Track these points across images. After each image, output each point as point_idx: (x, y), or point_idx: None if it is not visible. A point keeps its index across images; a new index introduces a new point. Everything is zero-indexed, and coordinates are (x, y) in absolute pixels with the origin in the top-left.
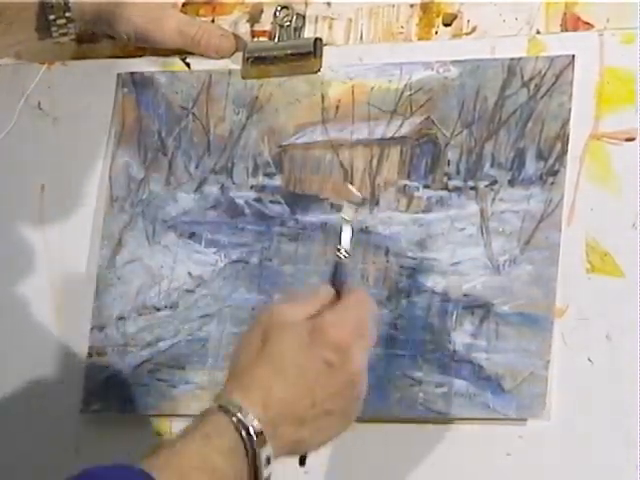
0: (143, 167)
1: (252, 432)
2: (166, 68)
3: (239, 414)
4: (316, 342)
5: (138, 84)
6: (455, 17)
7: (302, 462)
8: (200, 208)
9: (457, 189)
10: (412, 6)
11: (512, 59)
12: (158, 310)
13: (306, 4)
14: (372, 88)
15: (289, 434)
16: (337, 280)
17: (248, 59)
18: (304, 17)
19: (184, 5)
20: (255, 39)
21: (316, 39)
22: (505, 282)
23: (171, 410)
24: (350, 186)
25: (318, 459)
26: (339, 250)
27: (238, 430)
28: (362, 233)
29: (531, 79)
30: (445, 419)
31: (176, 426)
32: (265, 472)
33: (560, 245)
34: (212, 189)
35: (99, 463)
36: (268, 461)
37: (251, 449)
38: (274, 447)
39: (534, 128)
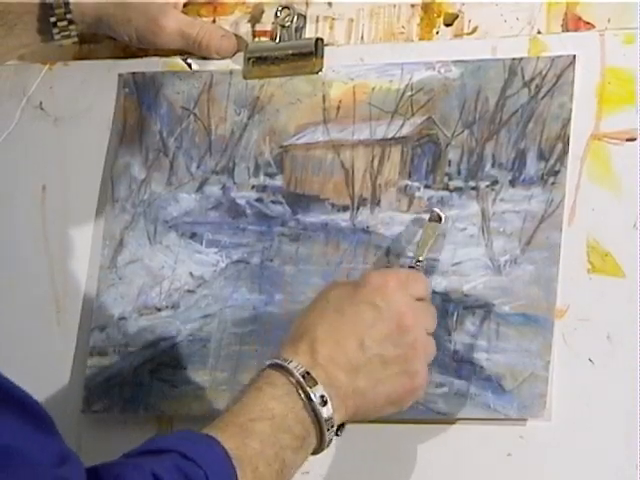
0: (144, 167)
1: (298, 374)
2: (167, 68)
3: (285, 363)
4: (359, 290)
5: (139, 84)
6: (456, 17)
7: (338, 431)
8: (201, 208)
9: (458, 189)
10: (413, 6)
11: (513, 59)
12: (159, 310)
13: (307, 4)
14: (373, 88)
15: (345, 381)
16: None
17: (249, 59)
18: (305, 17)
19: (185, 5)
20: (256, 39)
21: (317, 39)
22: (506, 282)
23: (172, 410)
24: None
25: (318, 459)
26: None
27: (286, 377)
28: (363, 233)
29: (532, 79)
30: (445, 419)
31: (177, 426)
32: (324, 411)
33: (561, 245)
34: (213, 189)
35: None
36: (324, 401)
37: (304, 392)
38: (335, 396)
39: (535, 128)
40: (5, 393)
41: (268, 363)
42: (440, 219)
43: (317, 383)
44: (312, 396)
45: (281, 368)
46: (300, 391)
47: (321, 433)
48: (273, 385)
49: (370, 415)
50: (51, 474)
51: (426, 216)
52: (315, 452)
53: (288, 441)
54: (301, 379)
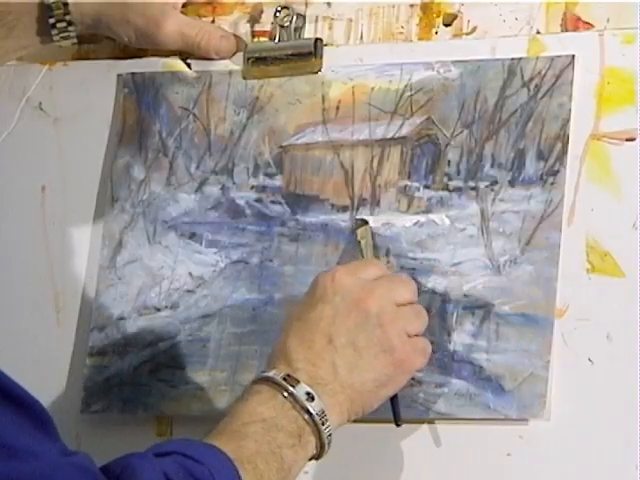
0: (144, 167)
1: (278, 379)
2: (167, 69)
3: (263, 374)
4: (312, 294)
5: (139, 85)
6: (455, 17)
7: (397, 422)
8: (201, 208)
9: (457, 189)
10: (412, 6)
11: (512, 59)
12: (158, 310)
13: (306, 4)
14: (372, 88)
15: (328, 378)
16: None
17: (249, 59)
18: (304, 17)
19: (184, 6)
20: (255, 39)
21: (316, 39)
22: (505, 282)
23: (171, 410)
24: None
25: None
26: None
27: (268, 384)
28: None
29: (531, 79)
30: (445, 419)
31: (176, 426)
32: (313, 406)
33: (560, 245)
34: (213, 189)
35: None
36: (311, 397)
37: (287, 392)
38: (323, 394)
39: (534, 128)
40: (7, 393)
41: (251, 381)
42: (366, 222)
43: (299, 382)
44: (296, 394)
45: (263, 380)
46: (284, 392)
47: (317, 429)
48: (258, 393)
49: (370, 404)
50: (62, 461)
51: (425, 217)
52: (320, 452)
53: (283, 439)
54: (282, 382)
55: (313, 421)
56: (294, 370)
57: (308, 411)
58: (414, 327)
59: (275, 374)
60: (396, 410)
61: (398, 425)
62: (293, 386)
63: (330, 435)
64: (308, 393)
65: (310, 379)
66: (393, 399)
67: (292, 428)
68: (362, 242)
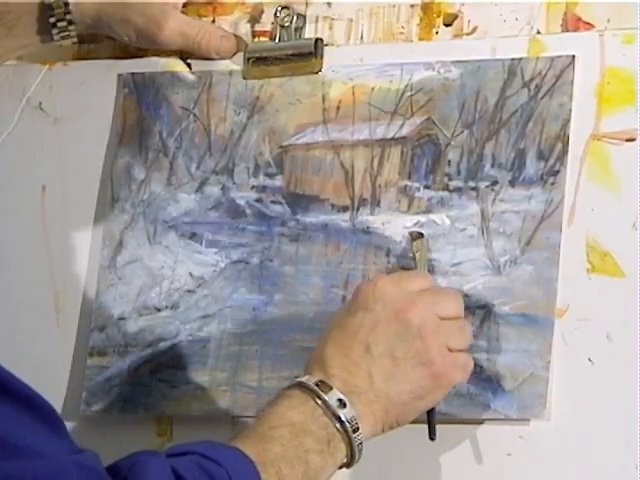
0: (144, 167)
1: (310, 385)
2: (167, 69)
3: (297, 379)
4: (353, 301)
5: (139, 85)
6: (456, 17)
7: (431, 435)
8: (201, 208)
9: (458, 189)
10: (413, 6)
11: (513, 59)
12: (159, 310)
13: (307, 4)
14: (373, 88)
15: (363, 387)
16: None
17: (249, 59)
18: (304, 17)
19: (185, 5)
20: (256, 39)
21: (317, 39)
22: (506, 282)
23: (172, 410)
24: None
25: None
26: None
27: (301, 389)
28: (363, 234)
29: (532, 79)
30: (445, 419)
31: (177, 426)
32: (345, 413)
33: (561, 245)
34: (213, 189)
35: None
36: (343, 404)
37: (319, 399)
38: (357, 402)
39: (535, 128)
40: (15, 392)
41: (284, 387)
42: (422, 235)
43: (332, 388)
44: (328, 400)
45: (295, 385)
46: (316, 398)
47: (348, 437)
48: (289, 398)
49: (405, 416)
50: (68, 460)
51: (425, 217)
52: (350, 461)
53: (311, 444)
54: (315, 387)
55: (344, 428)
56: (329, 377)
57: (339, 418)
58: (456, 342)
59: (308, 379)
60: (432, 424)
61: (432, 439)
62: (325, 392)
63: (361, 444)
64: (340, 400)
65: (344, 386)
66: (430, 412)
67: (321, 434)
68: (417, 255)
